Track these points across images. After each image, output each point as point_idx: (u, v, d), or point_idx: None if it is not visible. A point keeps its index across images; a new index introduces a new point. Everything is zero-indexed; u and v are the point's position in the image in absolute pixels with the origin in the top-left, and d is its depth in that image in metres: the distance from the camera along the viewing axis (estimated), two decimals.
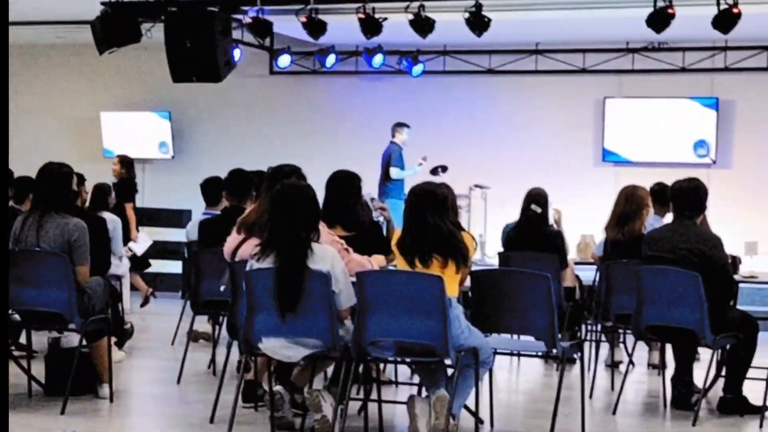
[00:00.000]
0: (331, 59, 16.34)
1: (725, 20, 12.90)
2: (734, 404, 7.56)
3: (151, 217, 15.85)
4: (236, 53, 14.64)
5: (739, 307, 8.15)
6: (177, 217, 15.36)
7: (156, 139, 17.90)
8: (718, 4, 12.69)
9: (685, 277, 7.30)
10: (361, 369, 6.67)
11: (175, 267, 15.04)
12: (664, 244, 7.57)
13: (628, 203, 8.87)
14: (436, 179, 10.43)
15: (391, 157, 15.24)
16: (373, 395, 6.74)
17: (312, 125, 17.62)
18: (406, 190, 12.53)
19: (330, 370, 7.53)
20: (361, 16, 13.94)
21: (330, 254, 6.25)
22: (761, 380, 7.43)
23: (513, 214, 9.96)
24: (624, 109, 16.20)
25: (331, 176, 7.55)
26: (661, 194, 9.29)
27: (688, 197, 7.61)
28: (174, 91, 16.17)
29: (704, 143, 15.74)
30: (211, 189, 10.02)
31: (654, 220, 9.19)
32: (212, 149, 17.57)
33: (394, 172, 15.02)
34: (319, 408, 6.29)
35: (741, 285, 8.57)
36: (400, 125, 15.42)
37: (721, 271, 7.44)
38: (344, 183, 7.51)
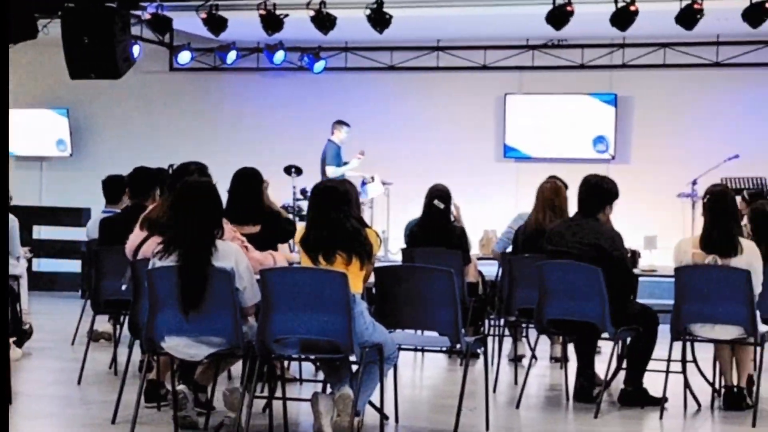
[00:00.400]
0: (231, 56, 16.26)
1: (623, 17, 13.12)
2: (635, 396, 7.68)
3: (50, 216, 15.60)
4: (135, 50, 14.48)
5: (639, 300, 8.29)
6: (76, 216, 15.15)
7: (53, 136, 17.64)
8: (616, 1, 12.90)
9: (586, 271, 7.39)
10: (265, 367, 6.63)
11: (74, 266, 14.83)
12: (565, 239, 7.65)
13: (558, 197, 8.89)
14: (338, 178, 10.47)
15: (327, 155, 15.14)
16: (278, 393, 6.71)
17: (213, 122, 17.51)
18: None
19: (235, 369, 7.48)
20: (262, 12, 13.90)
21: (234, 251, 6.22)
22: (661, 372, 7.55)
23: (416, 211, 9.99)
24: (524, 105, 16.36)
25: (236, 174, 7.57)
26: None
27: (590, 193, 7.69)
28: (72, 88, 15.93)
29: (603, 139, 15.97)
30: (112, 187, 9.89)
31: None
32: (111, 147, 17.36)
33: (330, 171, 14.93)
34: (236, 407, 6.25)
35: (641, 279, 8.71)
36: (339, 123, 15.26)
37: (620, 266, 7.54)
38: (249, 180, 7.54)
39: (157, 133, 17.43)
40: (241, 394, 6.25)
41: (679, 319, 7.42)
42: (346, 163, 15.21)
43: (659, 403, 7.53)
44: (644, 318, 7.64)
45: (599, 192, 7.72)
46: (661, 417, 7.31)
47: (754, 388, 7.46)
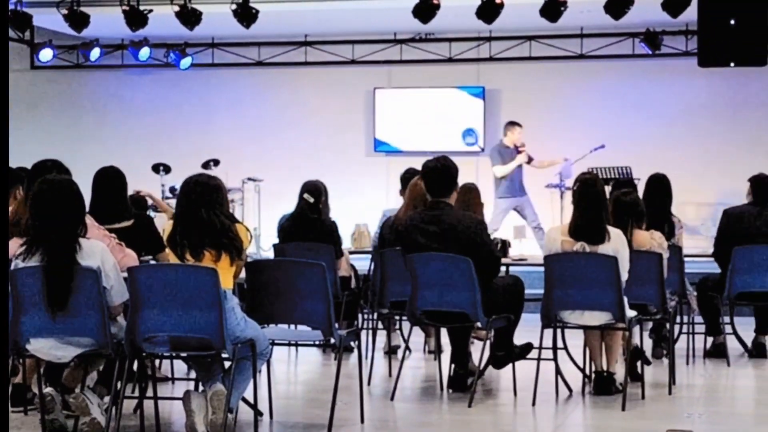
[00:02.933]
0: (95, 53, 16.00)
1: (489, 11, 13.27)
2: (506, 358, 7.81)
3: None
4: None
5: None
6: None
7: None
8: None
9: (456, 262, 7.43)
10: (135, 366, 6.53)
11: None
12: (424, 227, 7.60)
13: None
14: (208, 173, 10.32)
15: (491, 158, 14.61)
16: (149, 393, 6.61)
17: (77, 120, 17.23)
18: None
19: None
20: (125, 8, 13.72)
21: (99, 249, 6.10)
22: (533, 360, 7.65)
23: (287, 207, 9.96)
24: (394, 99, 16.45)
25: (97, 173, 7.52)
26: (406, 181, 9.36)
27: (439, 178, 7.67)
28: None
29: (472, 131, 16.13)
30: None
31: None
32: None
33: (498, 170, 14.24)
34: (86, 411, 6.16)
35: (511, 268, 8.80)
36: (511, 124, 14.37)
37: (483, 250, 7.55)
38: (110, 177, 7.46)
39: (20, 133, 17.03)
40: (86, 398, 6.16)
41: (550, 306, 7.52)
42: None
43: (528, 350, 7.80)
44: (514, 298, 7.73)
45: (446, 173, 7.69)
46: (533, 403, 7.40)
47: (623, 372, 7.60)
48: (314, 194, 9.46)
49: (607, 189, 8.21)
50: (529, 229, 13.32)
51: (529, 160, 14.11)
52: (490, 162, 13.98)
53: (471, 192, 8.74)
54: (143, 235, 7.39)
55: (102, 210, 7.24)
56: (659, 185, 9.07)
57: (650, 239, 8.00)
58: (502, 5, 13.14)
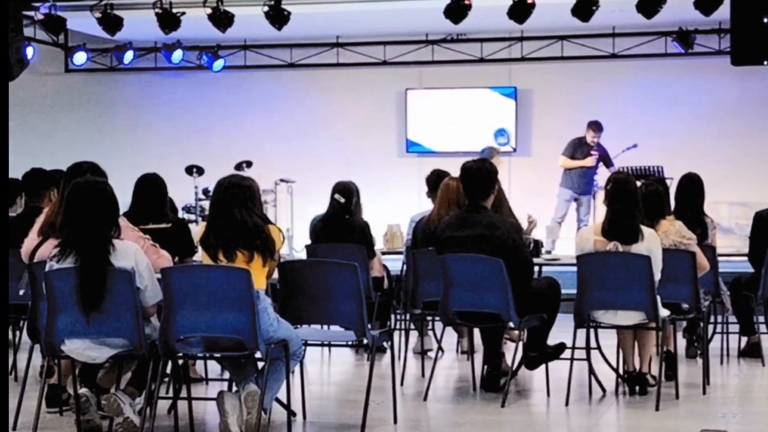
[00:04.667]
0: (128, 56, 16.09)
1: (520, 11, 13.23)
2: (538, 359, 7.78)
3: None
4: (29, 51, 14.26)
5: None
6: None
7: None
8: None
9: (489, 263, 7.42)
10: (169, 367, 6.55)
11: None
12: (460, 231, 7.62)
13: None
14: (241, 174, 10.36)
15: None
16: (183, 393, 6.63)
17: (111, 123, 17.30)
18: None
19: None
20: (158, 11, 13.76)
21: (133, 250, 6.13)
22: (566, 360, 7.63)
23: (319, 208, 9.96)
24: (425, 100, 16.44)
25: (141, 177, 7.77)
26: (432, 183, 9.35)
27: (476, 181, 7.68)
28: None
29: (504, 132, 16.10)
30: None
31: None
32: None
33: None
34: (119, 411, 6.19)
35: (544, 268, 8.78)
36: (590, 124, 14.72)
37: (516, 254, 7.55)
38: (149, 181, 7.73)
39: (54, 136, 17.17)
40: (118, 398, 6.19)
41: (582, 306, 7.49)
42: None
43: (561, 350, 7.78)
44: (549, 300, 7.71)
45: (485, 176, 7.69)
46: (567, 404, 7.37)
47: (657, 372, 7.55)
48: (345, 195, 9.46)
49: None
50: (563, 229, 13.31)
51: (603, 163, 14.21)
52: None
53: (498, 192, 8.73)
54: (178, 239, 7.44)
55: (141, 212, 7.34)
56: (692, 185, 9.00)
57: (673, 227, 7.98)
58: (533, 5, 13.11)
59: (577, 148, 14.30)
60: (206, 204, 15.08)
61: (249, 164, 15.50)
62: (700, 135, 15.50)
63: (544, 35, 15.79)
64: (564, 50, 15.94)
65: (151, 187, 7.72)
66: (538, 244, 9.12)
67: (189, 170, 15.41)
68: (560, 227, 13.37)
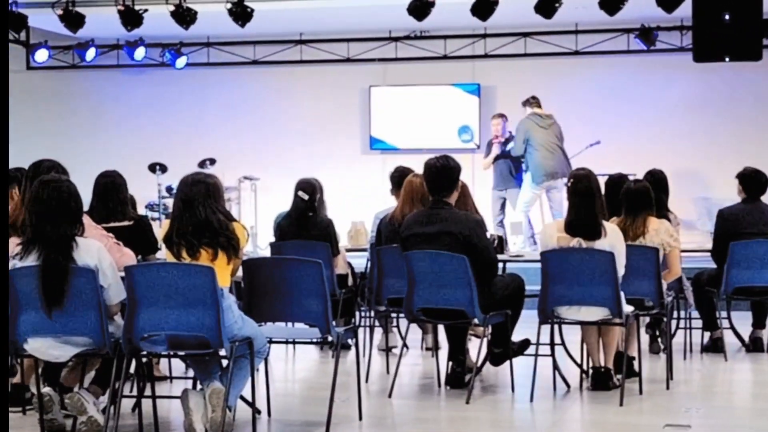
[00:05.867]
0: (91, 53, 16.00)
1: (483, 8, 13.28)
2: (503, 355, 7.82)
3: None
4: None
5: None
6: None
7: None
8: None
9: (453, 259, 7.43)
10: (133, 365, 6.53)
11: None
12: (424, 228, 7.62)
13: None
14: (205, 172, 10.34)
15: None
16: (147, 392, 6.61)
17: (73, 121, 17.21)
18: None
19: None
20: (121, 8, 13.70)
21: (96, 248, 6.11)
22: (530, 356, 7.66)
23: (283, 205, 9.96)
24: (389, 97, 16.45)
25: (100, 175, 7.73)
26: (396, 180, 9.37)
27: (439, 178, 7.69)
28: None
29: (468, 129, 16.14)
30: None
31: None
32: None
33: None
34: (83, 410, 6.17)
35: (508, 264, 8.81)
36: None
37: (483, 252, 7.57)
38: (109, 178, 7.69)
39: (16, 134, 17.01)
40: (82, 397, 6.18)
41: (546, 302, 7.52)
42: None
43: (525, 347, 7.85)
44: (514, 296, 7.74)
45: (448, 173, 7.70)
46: (531, 399, 7.40)
47: (621, 365, 7.59)
48: (309, 192, 9.45)
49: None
50: (525, 224, 13.31)
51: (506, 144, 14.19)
52: None
53: (462, 189, 8.75)
54: (140, 236, 7.43)
55: (101, 210, 7.32)
56: (656, 181, 9.05)
57: (662, 226, 8.04)
58: (496, 2, 13.16)
59: (488, 146, 14.37)
60: (170, 202, 15.04)
61: (212, 161, 15.48)
62: (663, 131, 15.59)
63: (507, 32, 15.84)
64: (527, 47, 15.99)
65: (110, 185, 7.67)
66: (502, 241, 9.13)
67: (152, 168, 15.36)
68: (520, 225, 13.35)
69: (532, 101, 13.92)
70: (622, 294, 7.43)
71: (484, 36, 16.01)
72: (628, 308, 7.52)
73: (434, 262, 7.51)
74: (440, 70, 16.27)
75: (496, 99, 16.20)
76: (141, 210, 10.73)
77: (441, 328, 8.40)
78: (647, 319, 9.13)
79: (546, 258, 7.53)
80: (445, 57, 16.23)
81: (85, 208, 6.63)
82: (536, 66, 16.02)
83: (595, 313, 7.50)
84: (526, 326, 7.97)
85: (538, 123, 13.73)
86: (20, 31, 14.85)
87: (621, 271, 7.45)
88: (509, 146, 14.07)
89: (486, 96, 16.19)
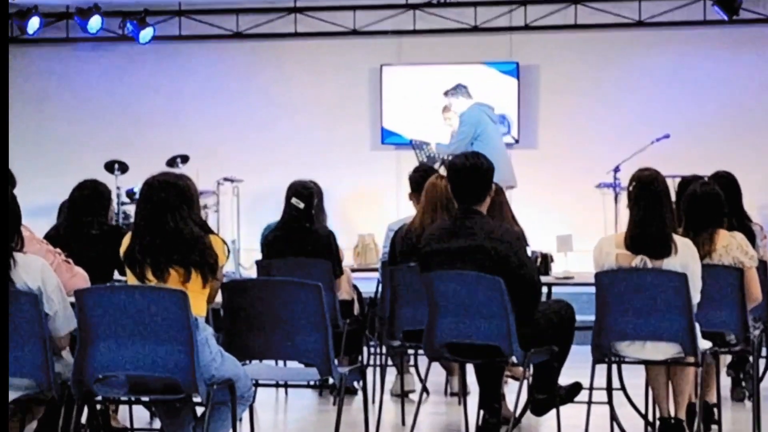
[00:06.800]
0: (33, 23, 16.05)
1: None
2: (549, 402, 7.81)
3: None
4: None
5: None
6: None
7: None
8: None
9: (486, 282, 7.42)
10: (85, 414, 6.53)
11: None
12: (449, 242, 7.62)
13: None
14: (175, 172, 10.35)
15: None
16: None
17: (11, 107, 17.20)
18: None
19: None
20: None
21: (39, 266, 6.11)
22: (583, 403, 7.64)
23: (273, 214, 9.97)
24: (405, 78, 16.46)
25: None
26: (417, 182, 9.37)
27: (468, 181, 7.68)
28: None
29: (504, 118, 16.11)
30: None
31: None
32: None
33: None
34: None
35: (554, 288, 8.80)
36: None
37: (524, 273, 7.56)
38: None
39: None
40: None
41: (602, 336, 7.50)
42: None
43: (576, 392, 7.85)
44: (561, 329, 7.73)
45: (478, 175, 7.70)
46: None
47: (696, 419, 7.57)
48: (305, 198, 9.46)
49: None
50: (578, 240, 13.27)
51: None
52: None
53: (496, 194, 8.74)
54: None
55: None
56: (726, 185, 8.92)
57: (734, 240, 7.99)
58: None
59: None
60: (131, 209, 15.06)
61: (185, 159, 15.50)
62: (747, 123, 15.56)
63: None
64: (578, 17, 16.00)
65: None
66: (546, 259, 9.12)
67: (109, 167, 15.39)
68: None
69: (464, 90, 13.79)
70: (697, 326, 7.41)
71: (525, 2, 16.03)
72: (704, 344, 7.50)
73: (462, 285, 7.51)
74: (469, 45, 16.28)
75: (538, 81, 16.22)
76: None
77: (470, 369, 8.39)
78: (729, 359, 9.10)
79: (602, 281, 7.50)
80: (475, 29, 16.24)
81: (26, 217, 6.65)
82: (588, 41, 16.03)
83: (664, 351, 7.48)
84: (577, 366, 7.95)
85: (490, 115, 13.63)
86: None
87: (696, 297, 7.43)
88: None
89: (526, 77, 16.19)
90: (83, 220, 8.20)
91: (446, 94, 13.80)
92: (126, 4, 15.95)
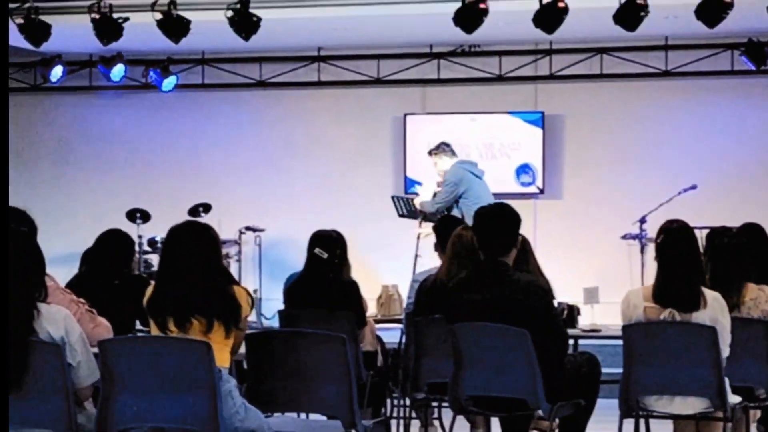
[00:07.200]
0: (57, 71, 16.10)
1: (549, 17, 13.23)
2: None
3: None
4: None
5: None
6: None
7: None
8: None
9: (512, 335, 7.40)
10: None
11: None
12: (475, 294, 7.61)
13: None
14: (198, 221, 10.37)
15: None
16: None
17: (33, 155, 17.29)
18: None
19: None
20: (96, 15, 13.76)
21: (62, 317, 6.12)
22: None
23: (295, 264, 9.96)
24: (429, 127, 16.45)
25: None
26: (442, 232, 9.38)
27: (493, 232, 7.68)
28: None
29: (528, 168, 16.12)
30: None
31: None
32: None
33: None
34: None
35: (580, 341, 8.77)
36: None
37: (551, 325, 7.54)
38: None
39: None
40: None
41: (630, 390, 7.47)
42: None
43: None
44: (587, 382, 7.70)
45: (505, 225, 7.69)
46: None
47: None
48: (328, 248, 9.44)
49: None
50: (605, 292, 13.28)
51: None
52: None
53: (522, 244, 8.73)
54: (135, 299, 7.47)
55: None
56: (754, 236, 8.90)
57: (763, 294, 7.96)
58: (565, 10, 13.14)
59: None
60: (153, 258, 15.08)
61: (207, 208, 15.51)
62: None
63: (578, 47, 15.86)
64: (603, 66, 16.00)
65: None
66: (573, 311, 9.10)
67: (131, 215, 15.41)
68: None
69: (447, 149, 13.94)
70: (726, 381, 7.37)
71: (550, 52, 16.04)
72: (734, 399, 7.46)
73: (487, 337, 7.49)
74: (494, 94, 16.29)
75: (564, 131, 16.21)
76: None
77: (495, 422, 8.35)
78: (758, 413, 9.05)
79: (630, 334, 7.48)
80: (500, 78, 16.25)
81: (50, 266, 6.66)
82: (614, 90, 16.03)
83: (693, 405, 7.44)
84: (604, 420, 7.91)
85: (474, 172, 13.74)
86: None
87: (725, 351, 7.40)
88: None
89: (551, 127, 16.18)
90: (106, 269, 8.24)
91: (430, 153, 14.05)
92: (149, 52, 16.01)
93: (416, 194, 14.25)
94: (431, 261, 9.89)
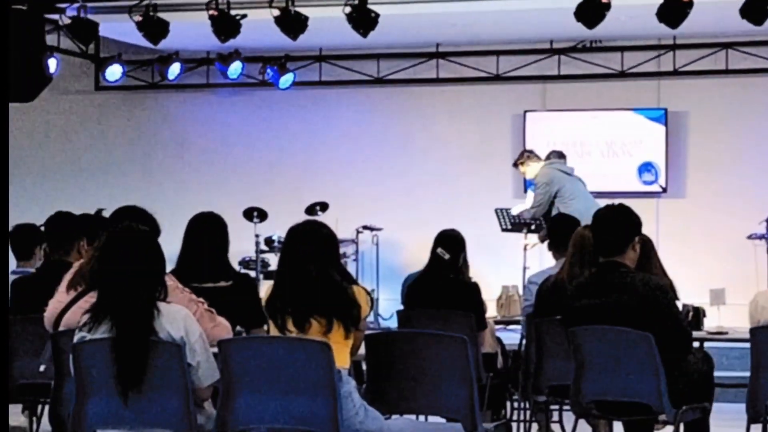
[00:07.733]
0: (174, 69, 16.26)
1: (673, 12, 13.13)
2: None
3: None
4: (52, 64, 14.48)
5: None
6: None
7: None
8: None
9: (635, 338, 7.35)
10: None
11: None
12: (594, 298, 7.56)
13: None
14: (316, 220, 10.41)
15: None
16: None
17: (151, 153, 17.49)
18: None
19: None
20: (213, 13, 13.87)
21: (182, 316, 6.16)
22: None
23: (414, 264, 9.97)
24: (549, 125, 16.40)
25: (195, 218, 7.79)
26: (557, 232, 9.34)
27: (609, 232, 7.62)
28: None
29: (651, 166, 16.01)
30: (22, 239, 9.82)
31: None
32: (23, 187, 17.28)
33: None
34: None
35: (706, 344, 8.68)
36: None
37: (675, 328, 7.48)
38: (209, 225, 7.73)
39: (82, 170, 17.40)
40: None
41: (758, 394, 7.39)
42: None
43: None
44: (704, 383, 7.64)
45: (622, 226, 7.63)
46: None
47: None
48: (451, 248, 9.45)
49: None
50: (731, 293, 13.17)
51: None
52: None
53: (644, 245, 8.66)
54: (241, 302, 7.47)
55: (194, 266, 7.39)
56: None
57: None
58: (690, 4, 13.02)
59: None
60: (270, 257, 15.18)
61: (324, 207, 15.58)
62: None
63: (703, 42, 15.71)
64: (729, 62, 15.83)
65: (209, 232, 7.74)
66: (699, 313, 9.02)
67: (248, 214, 15.53)
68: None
69: (532, 155, 14.07)
70: None
71: (673, 47, 15.90)
72: None
73: (609, 341, 7.44)
74: (616, 91, 16.20)
75: (687, 128, 16.07)
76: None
77: (618, 426, 8.31)
78: None
79: (758, 337, 7.40)
80: (622, 74, 16.15)
81: (169, 265, 6.73)
82: (740, 86, 15.86)
83: None
84: (730, 425, 7.83)
85: (563, 170, 13.81)
86: (89, 42, 15.11)
87: None
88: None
89: (675, 124, 16.05)
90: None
91: (515, 165, 14.29)
92: (266, 49, 16.12)
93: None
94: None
